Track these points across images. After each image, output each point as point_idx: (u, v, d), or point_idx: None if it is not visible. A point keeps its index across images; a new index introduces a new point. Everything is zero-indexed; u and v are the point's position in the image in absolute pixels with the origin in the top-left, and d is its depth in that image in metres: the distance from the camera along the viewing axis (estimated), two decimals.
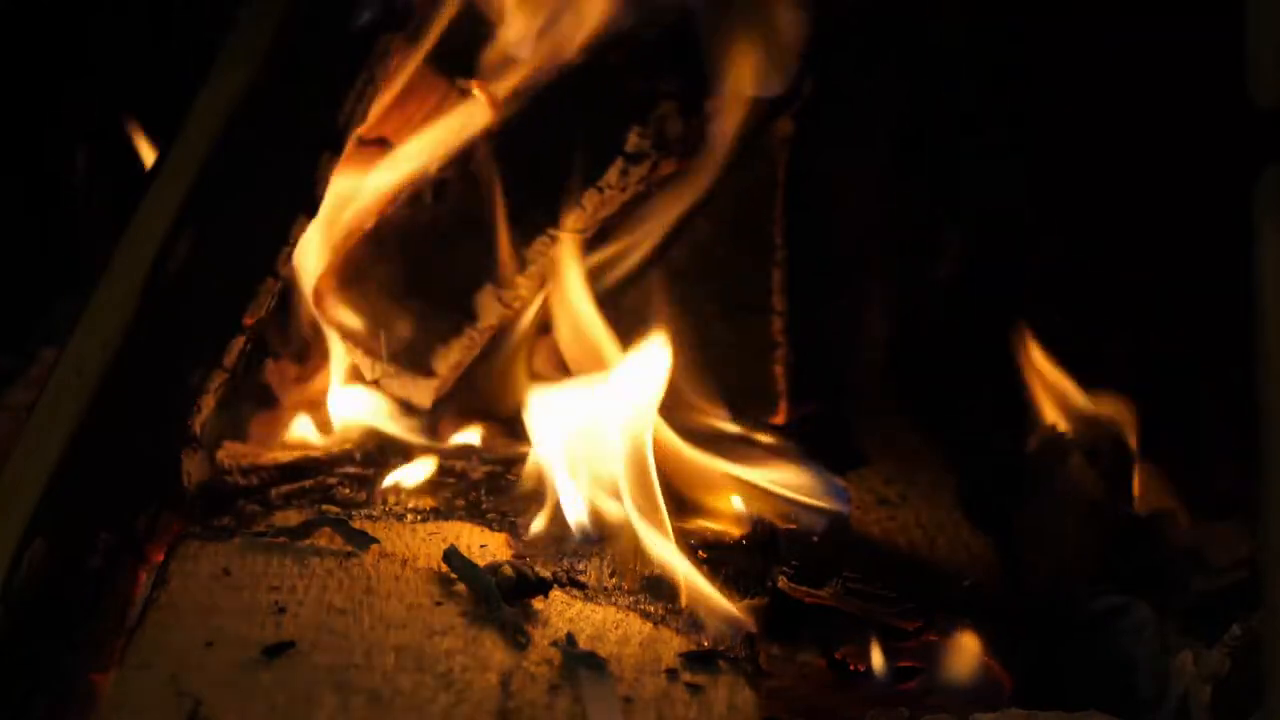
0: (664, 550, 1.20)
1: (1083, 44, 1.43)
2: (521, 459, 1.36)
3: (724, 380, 1.43)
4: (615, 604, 1.17)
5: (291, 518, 1.27)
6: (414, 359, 1.47)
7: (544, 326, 1.47)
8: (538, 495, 1.30)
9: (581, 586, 1.19)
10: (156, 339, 1.23)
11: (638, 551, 1.21)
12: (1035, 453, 1.40)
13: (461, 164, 1.46)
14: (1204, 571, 1.29)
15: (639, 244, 1.45)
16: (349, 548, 1.21)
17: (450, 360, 1.45)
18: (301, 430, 1.45)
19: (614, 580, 1.20)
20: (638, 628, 1.14)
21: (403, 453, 1.40)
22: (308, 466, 1.38)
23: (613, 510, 1.25)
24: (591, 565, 1.22)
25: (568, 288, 1.41)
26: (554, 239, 1.41)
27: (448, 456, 1.40)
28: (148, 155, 1.48)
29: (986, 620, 1.19)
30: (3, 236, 1.60)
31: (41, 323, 1.47)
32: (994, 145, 1.46)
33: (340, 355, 1.47)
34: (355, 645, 1.08)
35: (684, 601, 1.17)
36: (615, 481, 1.25)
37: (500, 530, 1.29)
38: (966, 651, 1.17)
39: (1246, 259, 0.93)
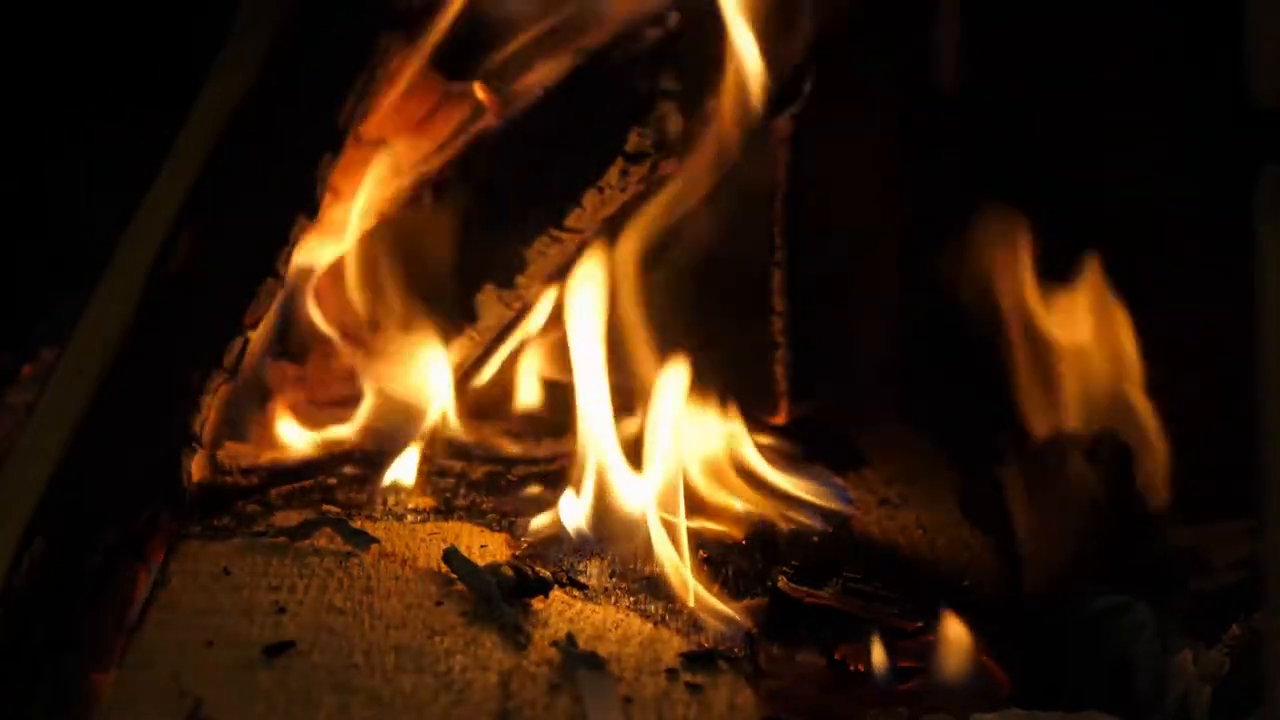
0: (671, 550, 1.20)
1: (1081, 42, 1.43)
2: (522, 459, 1.35)
3: (724, 380, 1.43)
4: (615, 604, 1.17)
5: (291, 518, 1.28)
6: None
7: (545, 326, 1.47)
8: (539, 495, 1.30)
9: (581, 586, 1.18)
10: (156, 339, 1.23)
11: (644, 550, 1.21)
12: (1035, 453, 1.40)
13: (461, 164, 1.46)
14: (1204, 571, 1.29)
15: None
16: (349, 548, 1.21)
17: (450, 360, 1.45)
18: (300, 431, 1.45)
19: (614, 580, 1.20)
20: (638, 628, 1.14)
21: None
22: (308, 466, 1.38)
23: (630, 506, 1.25)
24: (591, 565, 1.22)
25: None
26: (555, 239, 1.41)
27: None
28: None
29: (986, 620, 1.19)
30: (3, 237, 1.60)
31: (41, 323, 1.47)
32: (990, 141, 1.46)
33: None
34: (355, 645, 1.08)
35: (686, 602, 1.17)
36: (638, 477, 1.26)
37: (500, 530, 1.29)
38: (966, 651, 1.16)
39: (1246, 259, 0.93)
